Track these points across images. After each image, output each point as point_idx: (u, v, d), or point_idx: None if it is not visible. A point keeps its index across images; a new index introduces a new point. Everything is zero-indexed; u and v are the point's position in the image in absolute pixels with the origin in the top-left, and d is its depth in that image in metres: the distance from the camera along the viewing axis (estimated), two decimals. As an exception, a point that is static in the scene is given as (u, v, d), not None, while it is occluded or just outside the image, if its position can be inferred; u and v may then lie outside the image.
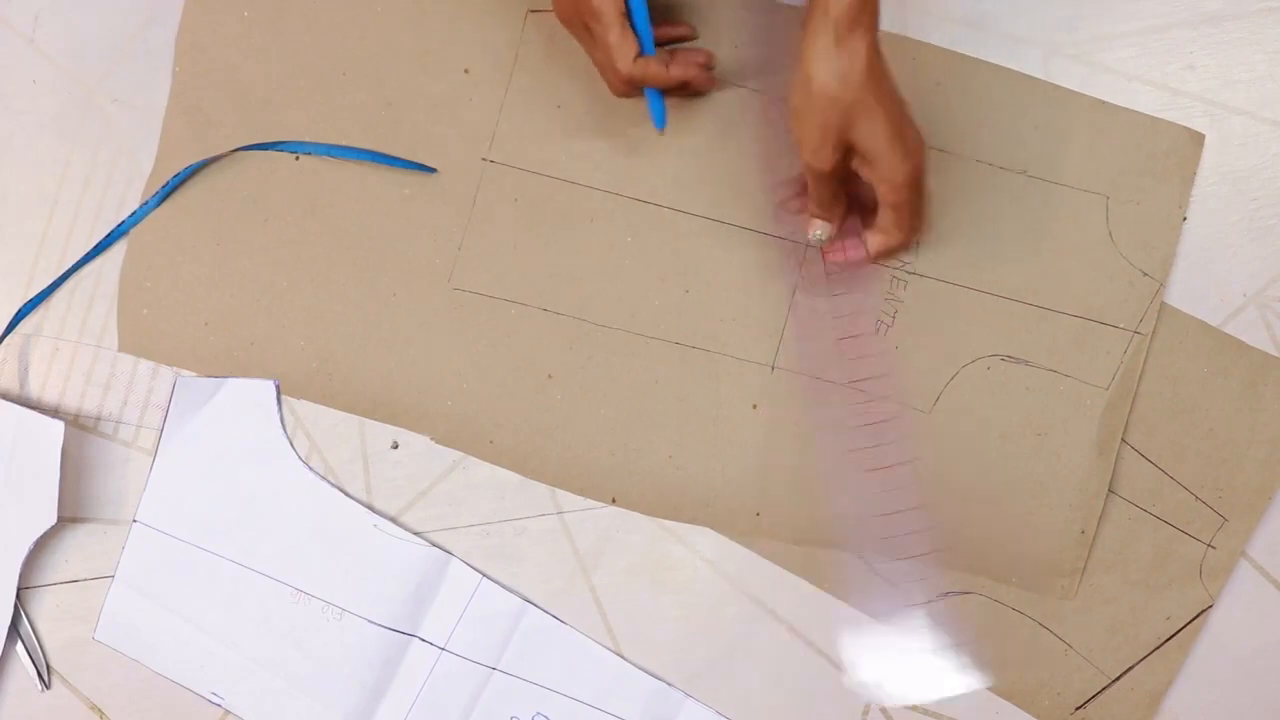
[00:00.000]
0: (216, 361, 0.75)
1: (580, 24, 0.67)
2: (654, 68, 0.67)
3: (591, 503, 0.73)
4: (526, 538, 0.73)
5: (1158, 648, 0.71)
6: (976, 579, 0.71)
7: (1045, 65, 0.72)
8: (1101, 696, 0.71)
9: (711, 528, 0.72)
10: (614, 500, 0.73)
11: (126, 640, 0.74)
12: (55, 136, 0.76)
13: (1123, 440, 0.71)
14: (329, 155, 0.74)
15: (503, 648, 0.72)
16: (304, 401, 0.74)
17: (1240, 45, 0.72)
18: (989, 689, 0.71)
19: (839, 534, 0.72)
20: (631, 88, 0.68)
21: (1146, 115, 0.72)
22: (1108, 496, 0.71)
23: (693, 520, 0.72)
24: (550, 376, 0.73)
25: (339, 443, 0.74)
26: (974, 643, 0.71)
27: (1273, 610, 0.71)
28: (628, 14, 0.66)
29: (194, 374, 0.75)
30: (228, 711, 0.73)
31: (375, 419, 0.74)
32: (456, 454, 0.73)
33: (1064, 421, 0.71)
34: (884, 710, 0.71)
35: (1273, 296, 0.72)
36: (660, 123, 0.71)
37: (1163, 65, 0.73)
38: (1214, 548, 0.71)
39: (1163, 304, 0.71)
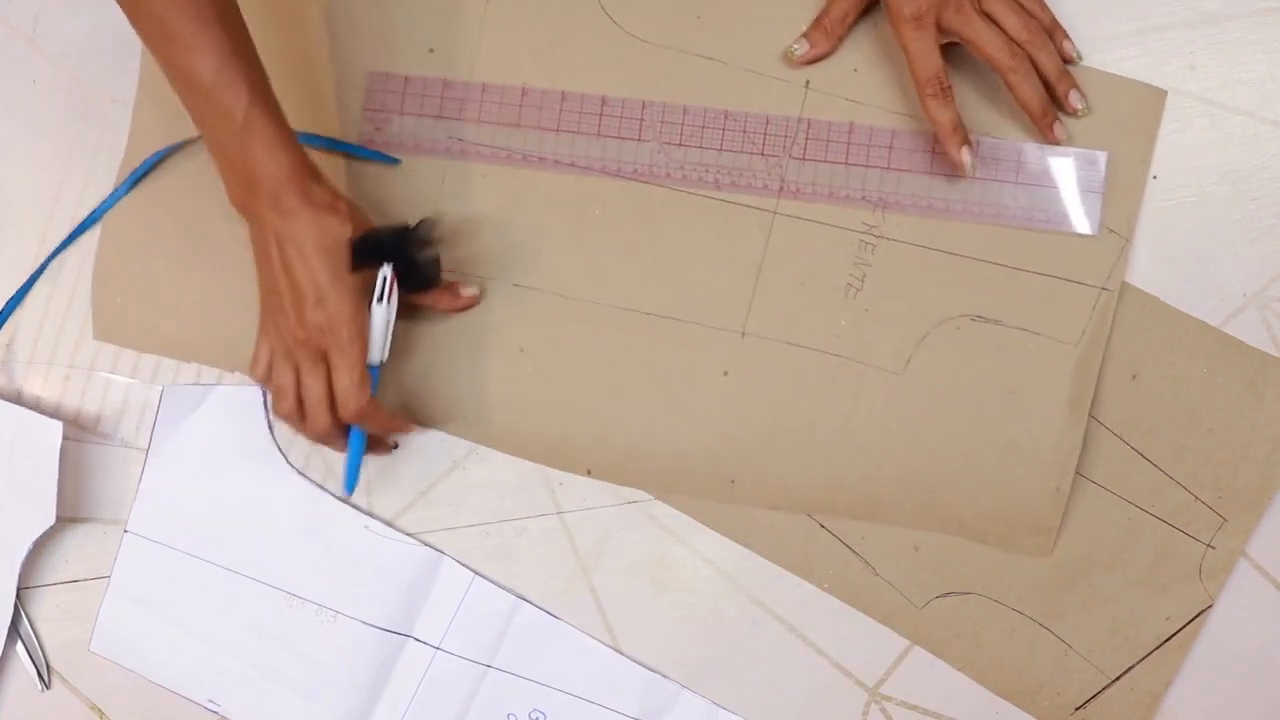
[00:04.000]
0: (191, 348, 0.75)
1: (315, 349, 0.65)
2: (381, 410, 0.68)
3: (591, 502, 0.73)
4: (526, 538, 0.73)
5: (1157, 648, 0.71)
6: (977, 580, 0.71)
7: (1045, 65, 0.72)
8: (1101, 696, 0.71)
9: (687, 494, 0.72)
10: (589, 472, 0.72)
11: (122, 650, 0.74)
12: (55, 136, 0.76)
13: (1123, 440, 0.71)
14: None
15: (497, 645, 0.72)
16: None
17: (1240, 45, 0.72)
18: (989, 689, 0.71)
19: (811, 499, 0.71)
20: (340, 431, 0.68)
21: (1109, 74, 0.72)
22: (1108, 497, 0.71)
23: (668, 489, 0.72)
24: (522, 350, 0.73)
25: (339, 443, 0.74)
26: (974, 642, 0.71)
27: (1273, 610, 0.71)
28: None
29: (166, 356, 0.75)
30: (225, 718, 0.73)
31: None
32: (457, 454, 0.73)
33: (1036, 379, 0.71)
34: (884, 710, 0.71)
35: (1273, 296, 0.72)
36: (351, 487, 0.70)
37: (1163, 65, 0.72)
38: (1213, 548, 0.71)
39: (1162, 304, 0.71)
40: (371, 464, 0.73)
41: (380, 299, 0.66)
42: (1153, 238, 0.72)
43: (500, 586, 0.72)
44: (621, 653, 0.72)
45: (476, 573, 0.72)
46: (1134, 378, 0.72)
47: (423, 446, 0.74)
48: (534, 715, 0.72)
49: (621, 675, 0.72)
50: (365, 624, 0.72)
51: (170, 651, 0.74)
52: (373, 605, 0.73)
